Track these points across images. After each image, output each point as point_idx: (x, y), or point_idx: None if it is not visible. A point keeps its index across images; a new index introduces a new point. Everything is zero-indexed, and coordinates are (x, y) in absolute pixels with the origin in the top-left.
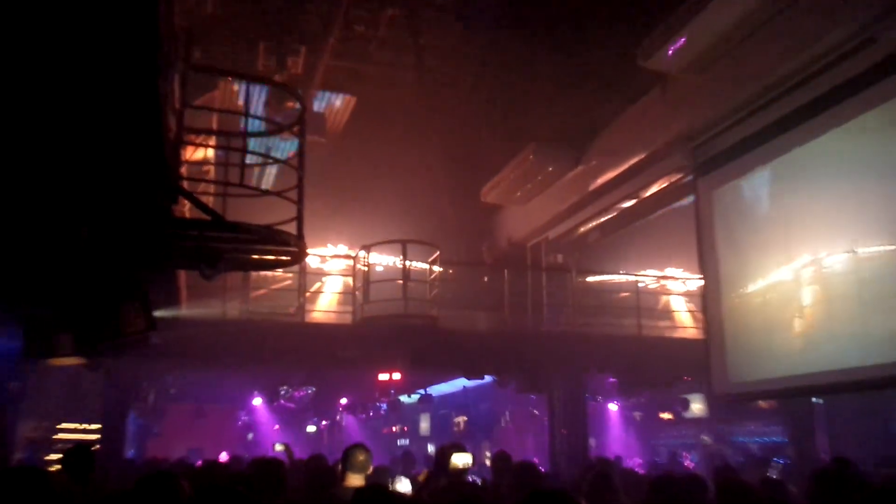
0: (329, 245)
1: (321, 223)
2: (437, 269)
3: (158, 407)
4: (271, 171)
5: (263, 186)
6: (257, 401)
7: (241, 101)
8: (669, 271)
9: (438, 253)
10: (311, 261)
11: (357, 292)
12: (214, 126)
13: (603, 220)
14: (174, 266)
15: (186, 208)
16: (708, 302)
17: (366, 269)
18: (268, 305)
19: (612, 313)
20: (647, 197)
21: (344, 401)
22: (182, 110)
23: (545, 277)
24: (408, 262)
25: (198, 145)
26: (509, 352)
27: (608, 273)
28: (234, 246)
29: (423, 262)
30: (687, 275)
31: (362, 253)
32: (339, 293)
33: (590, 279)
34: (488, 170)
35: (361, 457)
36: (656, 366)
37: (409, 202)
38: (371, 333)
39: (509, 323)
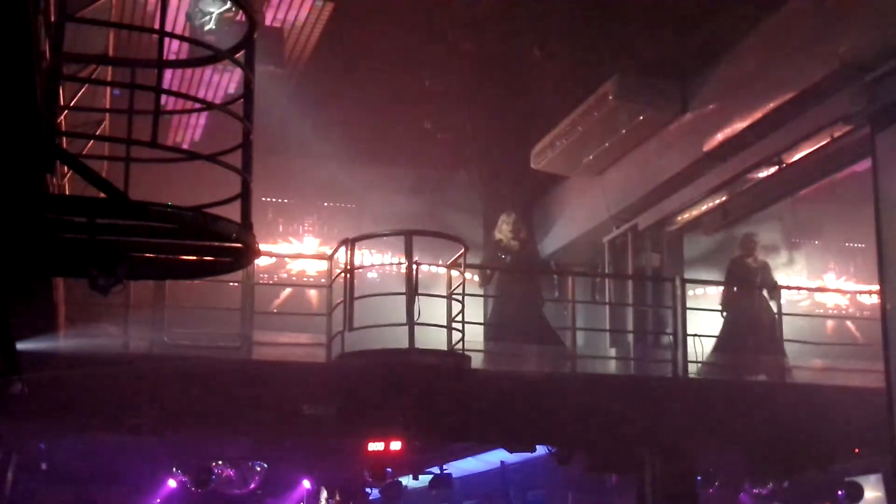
0: (292, 240)
1: (280, 206)
2: (455, 274)
3: (23, 490)
4: (199, 122)
5: (187, 147)
6: (175, 483)
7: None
8: (829, 280)
9: (463, 251)
10: (265, 263)
11: (334, 313)
12: (110, 51)
13: (725, 198)
14: (48, 272)
15: (67, 181)
16: (891, 327)
17: (349, 276)
18: (195, 334)
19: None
20: (796, 162)
21: (310, 484)
22: (60, 25)
23: (633, 290)
24: (416, 267)
25: (85, 81)
26: (575, 409)
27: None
28: (144, 240)
29: (439, 265)
30: (856, 286)
31: (343, 252)
32: (307, 314)
33: (704, 292)
34: (541, 119)
35: None
36: (809, 432)
37: (414, 173)
38: (356, 379)
39: (575, 362)
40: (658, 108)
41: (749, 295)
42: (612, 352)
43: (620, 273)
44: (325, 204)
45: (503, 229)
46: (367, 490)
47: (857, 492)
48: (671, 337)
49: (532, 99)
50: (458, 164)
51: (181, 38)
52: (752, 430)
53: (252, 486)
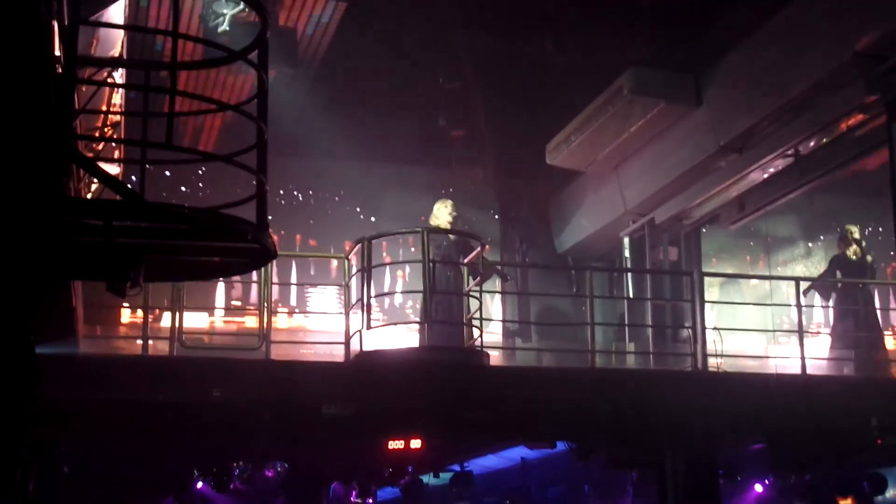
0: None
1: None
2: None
3: (46, 494)
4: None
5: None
6: (197, 485)
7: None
8: None
9: (480, 249)
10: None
11: (351, 312)
12: (123, 53)
13: (741, 191)
14: (67, 275)
15: (84, 185)
16: None
17: (366, 275)
18: (214, 335)
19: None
20: (812, 153)
21: (333, 484)
22: (73, 29)
23: (651, 284)
24: (432, 264)
25: (99, 84)
26: (595, 404)
27: (748, 275)
28: (161, 242)
29: (456, 261)
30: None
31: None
32: (323, 313)
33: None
34: (556, 114)
35: None
36: (831, 423)
37: (429, 170)
38: (374, 378)
39: (594, 358)
40: (673, 102)
41: (853, 289)
42: (631, 346)
43: (638, 267)
44: (340, 203)
45: (441, 214)
46: (389, 488)
47: (880, 485)
48: (690, 331)
49: (546, 94)
50: (474, 161)
51: (194, 39)
52: (773, 423)
53: (273, 486)
